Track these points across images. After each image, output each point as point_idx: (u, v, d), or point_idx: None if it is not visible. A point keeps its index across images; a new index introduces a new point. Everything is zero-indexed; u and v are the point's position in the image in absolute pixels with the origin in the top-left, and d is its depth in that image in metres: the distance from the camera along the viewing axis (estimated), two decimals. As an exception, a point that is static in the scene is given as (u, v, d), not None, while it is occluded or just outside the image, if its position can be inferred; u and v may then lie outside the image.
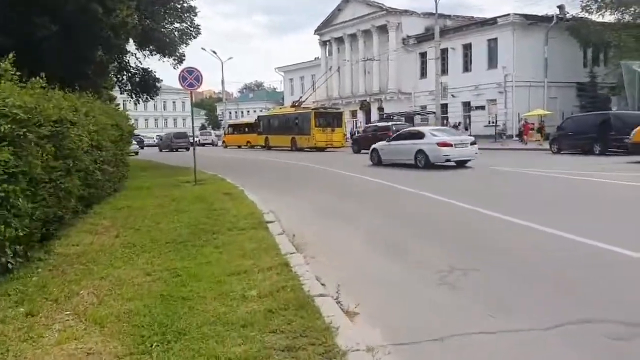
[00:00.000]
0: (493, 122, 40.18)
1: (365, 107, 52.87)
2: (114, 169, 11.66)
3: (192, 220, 8.55)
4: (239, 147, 46.59)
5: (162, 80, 22.52)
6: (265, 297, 4.55)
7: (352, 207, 10.69)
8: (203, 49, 60.26)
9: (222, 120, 77.46)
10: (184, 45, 21.25)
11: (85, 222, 8.71)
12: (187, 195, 11.68)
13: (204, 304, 4.55)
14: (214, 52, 59.33)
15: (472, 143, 18.80)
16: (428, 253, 6.62)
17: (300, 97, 42.90)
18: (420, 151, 18.33)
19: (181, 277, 5.40)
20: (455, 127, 39.05)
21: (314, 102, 61.37)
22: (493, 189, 13.31)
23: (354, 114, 55.73)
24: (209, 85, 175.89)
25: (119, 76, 22.35)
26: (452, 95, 41.28)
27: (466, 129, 38.90)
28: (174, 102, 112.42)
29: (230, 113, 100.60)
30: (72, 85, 20.17)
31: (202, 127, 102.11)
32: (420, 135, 19.15)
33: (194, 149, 15.27)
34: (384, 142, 21.13)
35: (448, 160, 18.07)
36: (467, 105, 43.41)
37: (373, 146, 21.48)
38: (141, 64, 22.27)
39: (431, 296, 5.02)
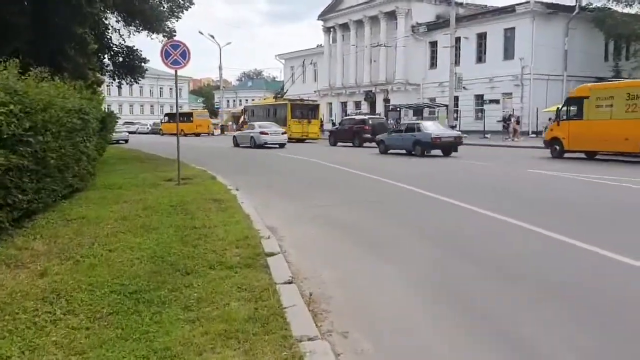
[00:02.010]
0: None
1: (370, 99, 50.14)
2: (71, 165, 9.08)
3: (160, 247, 5.99)
4: (173, 134, 49.32)
5: (148, 61, 19.78)
6: None
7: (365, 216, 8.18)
8: (200, 32, 57.67)
9: (219, 108, 74.61)
10: (175, 19, 18.52)
11: (11, 244, 6.16)
12: (163, 201, 9.10)
13: None
14: (212, 36, 56.54)
15: (283, 133, 29.25)
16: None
17: (282, 89, 43.37)
18: (252, 137, 28.22)
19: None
20: (505, 120, 35.27)
21: (315, 91, 58.76)
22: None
23: (357, 105, 53.02)
24: (208, 73, 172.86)
25: (99, 55, 19.64)
26: (464, 87, 38.55)
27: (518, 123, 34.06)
28: (170, 89, 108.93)
29: (228, 101, 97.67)
30: (51, 65, 17.48)
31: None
32: (253, 127, 29.40)
33: (177, 138, 12.64)
34: (239, 132, 32.27)
35: (266, 144, 27.63)
36: (479, 99, 40.76)
37: (234, 134, 31.91)
38: (125, 41, 19.57)
39: None
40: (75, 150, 9.15)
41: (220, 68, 61.89)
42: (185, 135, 48.77)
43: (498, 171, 15.87)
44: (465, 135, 35.81)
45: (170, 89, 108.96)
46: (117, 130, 40.37)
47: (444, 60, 43.57)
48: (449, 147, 21.41)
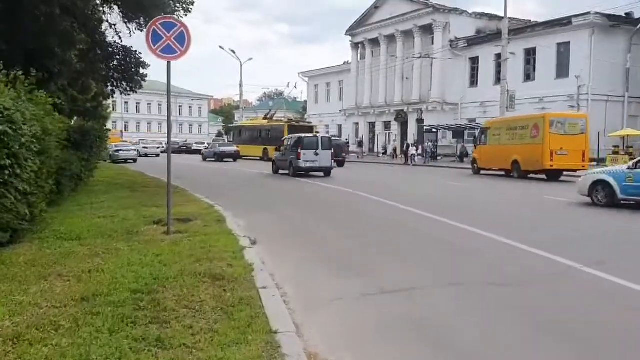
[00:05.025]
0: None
1: (402, 119, 46.09)
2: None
3: None
4: None
5: (149, 66, 15.94)
6: None
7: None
8: (221, 47, 55.00)
9: (238, 127, 71.15)
10: (183, 12, 14.63)
11: None
12: (125, 279, 5.12)
13: None
14: (233, 51, 53.47)
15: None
16: None
17: (270, 111, 45.49)
18: (137, 150, 40.37)
19: None
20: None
21: (340, 111, 55.01)
22: None
23: (387, 125, 49.02)
24: (227, 90, 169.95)
25: (90, 56, 15.92)
26: (507, 108, 34.28)
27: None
28: (190, 107, 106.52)
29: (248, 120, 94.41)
30: (28, 64, 13.65)
31: (219, 135, 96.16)
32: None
33: (168, 162, 8.61)
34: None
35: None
36: (528, 121, 36.49)
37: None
38: (121, 40, 15.80)
39: None
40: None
41: (240, 85, 58.78)
42: None
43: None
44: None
45: (190, 107, 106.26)
46: (126, 148, 37.37)
47: (485, 77, 39.70)
48: (231, 157, 37.54)
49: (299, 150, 21.54)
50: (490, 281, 5.75)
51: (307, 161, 21.47)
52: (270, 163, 25.94)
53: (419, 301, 5.11)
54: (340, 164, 30.89)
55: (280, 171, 23.19)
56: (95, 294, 4.64)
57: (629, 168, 11.96)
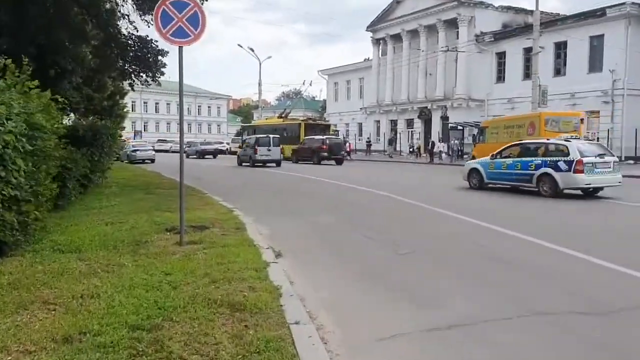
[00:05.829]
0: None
1: (425, 116, 44.72)
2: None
3: None
4: None
5: (167, 53, 15.00)
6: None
7: None
8: (239, 45, 54.26)
9: (257, 126, 70.31)
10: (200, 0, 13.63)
11: None
12: (124, 309, 4.11)
13: None
14: (252, 49, 52.49)
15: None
16: None
17: (286, 109, 45.35)
18: (127, 155, 33.94)
19: None
20: None
21: (361, 108, 53.89)
22: None
23: (409, 123, 47.66)
24: (245, 90, 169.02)
25: (104, 51, 15.08)
26: (539, 104, 32.76)
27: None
28: (209, 107, 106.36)
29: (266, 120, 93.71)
30: (39, 61, 12.82)
31: (238, 134, 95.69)
32: (129, 147, 35.87)
33: (180, 164, 7.55)
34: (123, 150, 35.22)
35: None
36: (558, 118, 34.89)
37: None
38: (137, 30, 14.89)
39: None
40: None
41: (259, 84, 57.87)
42: None
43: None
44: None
45: (209, 107, 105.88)
46: (143, 148, 36.74)
47: (513, 73, 38.15)
48: (211, 154, 42.53)
49: (256, 147, 28.30)
50: (579, 310, 4.61)
51: (262, 155, 28.18)
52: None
53: (504, 340, 3.98)
54: (339, 161, 31.64)
55: (243, 163, 29.33)
56: (82, 331, 3.64)
57: (491, 158, 14.46)
